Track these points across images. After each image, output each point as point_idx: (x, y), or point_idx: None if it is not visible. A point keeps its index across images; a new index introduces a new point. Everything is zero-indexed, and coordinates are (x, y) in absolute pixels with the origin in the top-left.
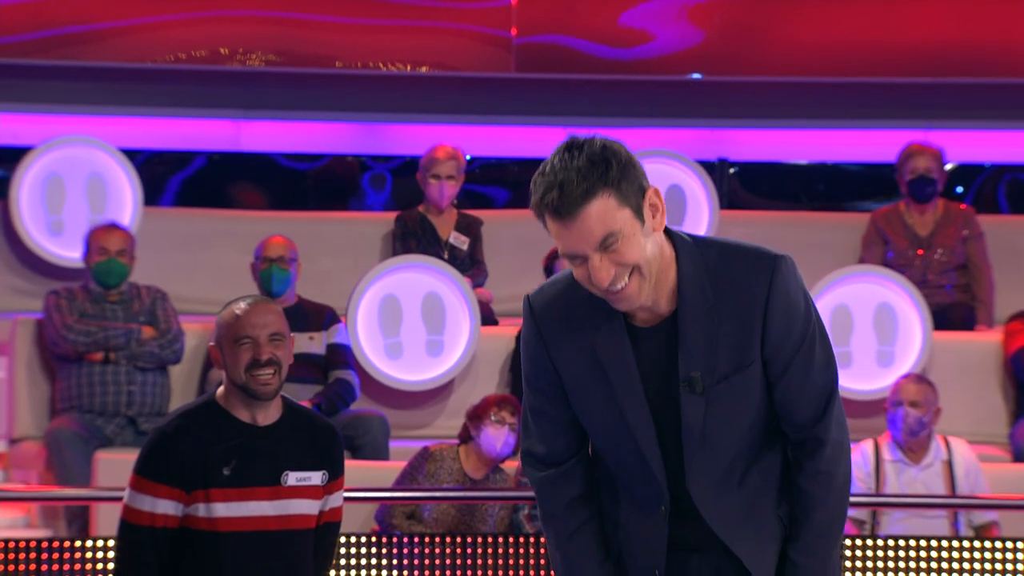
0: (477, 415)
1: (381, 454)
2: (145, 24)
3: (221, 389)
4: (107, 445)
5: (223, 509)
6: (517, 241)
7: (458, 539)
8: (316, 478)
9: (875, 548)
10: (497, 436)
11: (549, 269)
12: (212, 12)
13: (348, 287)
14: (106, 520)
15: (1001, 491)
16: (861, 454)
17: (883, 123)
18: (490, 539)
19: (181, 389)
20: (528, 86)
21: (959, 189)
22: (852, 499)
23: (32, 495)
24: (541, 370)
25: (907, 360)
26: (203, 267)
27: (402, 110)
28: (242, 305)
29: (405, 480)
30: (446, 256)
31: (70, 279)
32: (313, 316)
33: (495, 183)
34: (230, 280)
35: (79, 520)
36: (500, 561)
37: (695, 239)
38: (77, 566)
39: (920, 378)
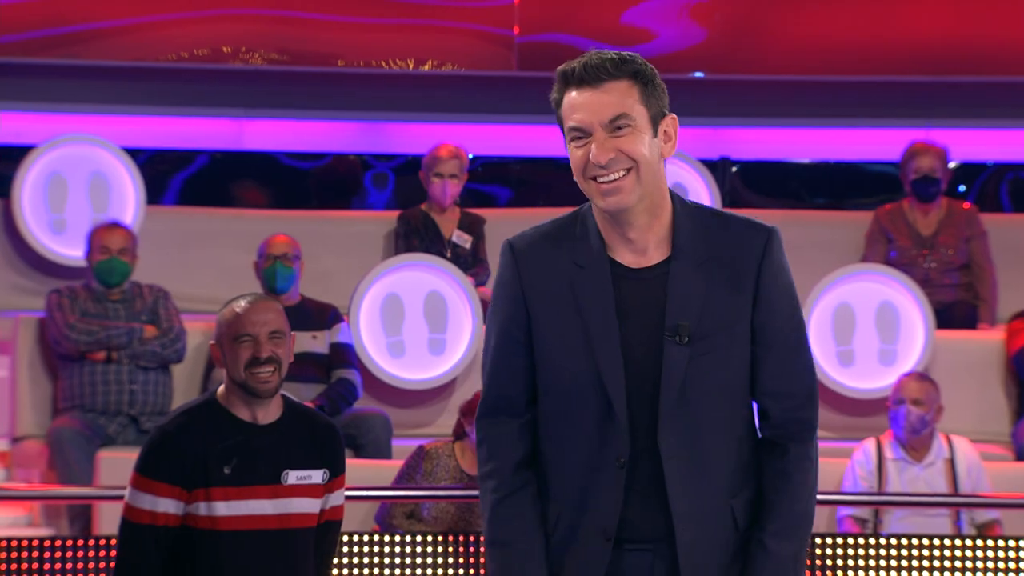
0: (471, 411)
1: (383, 453)
2: (147, 23)
3: (222, 388)
4: (109, 444)
5: (224, 508)
6: None
7: (459, 537)
8: (317, 476)
9: (877, 547)
10: None
11: None
12: (214, 11)
13: (350, 286)
14: (108, 519)
15: (1003, 489)
16: (863, 452)
17: (885, 122)
18: None
19: (183, 388)
20: (530, 84)
21: (962, 188)
22: (855, 497)
23: (34, 494)
24: (513, 312)
25: (909, 358)
26: (205, 266)
27: (404, 109)
28: (242, 303)
29: (403, 480)
30: (449, 255)
31: (72, 278)
32: (316, 315)
33: (498, 182)
34: (232, 279)
35: (81, 519)
36: None
37: (693, 202)
38: (79, 565)
39: (922, 376)
